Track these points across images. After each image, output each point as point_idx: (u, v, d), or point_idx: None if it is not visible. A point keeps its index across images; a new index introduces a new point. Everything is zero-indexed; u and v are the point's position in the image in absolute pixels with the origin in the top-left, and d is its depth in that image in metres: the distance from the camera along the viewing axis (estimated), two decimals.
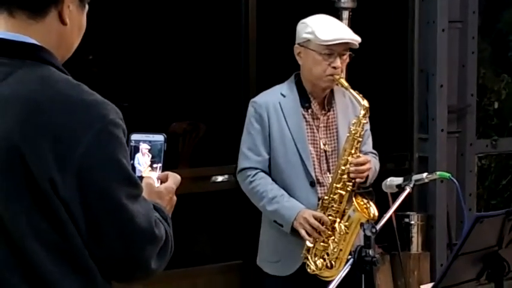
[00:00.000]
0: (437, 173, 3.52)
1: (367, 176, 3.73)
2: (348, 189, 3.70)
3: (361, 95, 3.73)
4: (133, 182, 1.86)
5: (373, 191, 3.78)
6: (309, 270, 3.73)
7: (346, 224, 3.70)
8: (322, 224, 3.70)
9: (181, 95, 5.54)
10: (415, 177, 3.43)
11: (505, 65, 6.12)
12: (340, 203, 3.71)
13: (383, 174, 3.74)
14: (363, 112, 3.71)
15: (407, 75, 5.64)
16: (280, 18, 5.23)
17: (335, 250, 3.72)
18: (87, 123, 1.79)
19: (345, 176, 3.69)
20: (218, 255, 5.33)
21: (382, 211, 3.41)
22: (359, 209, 3.67)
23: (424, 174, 3.44)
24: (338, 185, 3.71)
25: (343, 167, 3.70)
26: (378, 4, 5.62)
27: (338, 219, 3.72)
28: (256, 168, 3.79)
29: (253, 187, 3.79)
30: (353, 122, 3.73)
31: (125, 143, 1.86)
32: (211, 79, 5.53)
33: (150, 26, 5.37)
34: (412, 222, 5.42)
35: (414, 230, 5.42)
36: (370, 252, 2.96)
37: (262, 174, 3.79)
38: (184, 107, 5.58)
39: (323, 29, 3.72)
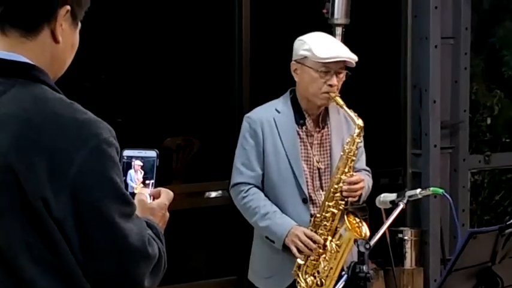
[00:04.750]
0: (431, 188, 3.53)
1: (360, 195, 3.73)
2: (340, 207, 3.69)
3: (356, 114, 3.71)
4: (126, 201, 1.85)
5: (367, 207, 3.78)
6: (299, 287, 3.72)
7: (338, 242, 3.69)
8: (314, 242, 3.69)
9: (175, 110, 5.55)
10: (409, 193, 3.43)
11: (497, 81, 6.14)
12: (332, 221, 3.70)
13: (376, 190, 3.74)
14: (357, 131, 3.70)
15: (400, 91, 5.66)
16: (274, 35, 5.25)
17: (326, 268, 3.70)
18: (79, 142, 1.79)
19: (338, 195, 3.68)
20: (212, 271, 5.32)
21: (375, 227, 3.41)
22: (351, 228, 3.65)
23: (418, 190, 3.45)
24: (330, 203, 3.70)
25: (336, 186, 3.69)
26: (371, 20, 5.64)
27: (330, 238, 3.71)
28: (249, 184, 3.79)
29: (245, 203, 3.79)
30: (347, 141, 3.71)
31: (118, 161, 1.86)
32: (205, 95, 5.54)
33: (144, 41, 5.39)
34: (406, 237, 5.42)
35: (408, 246, 5.42)
36: (364, 268, 2.97)
37: (255, 189, 3.79)
38: (178, 122, 5.59)
39: (320, 46, 3.72)
